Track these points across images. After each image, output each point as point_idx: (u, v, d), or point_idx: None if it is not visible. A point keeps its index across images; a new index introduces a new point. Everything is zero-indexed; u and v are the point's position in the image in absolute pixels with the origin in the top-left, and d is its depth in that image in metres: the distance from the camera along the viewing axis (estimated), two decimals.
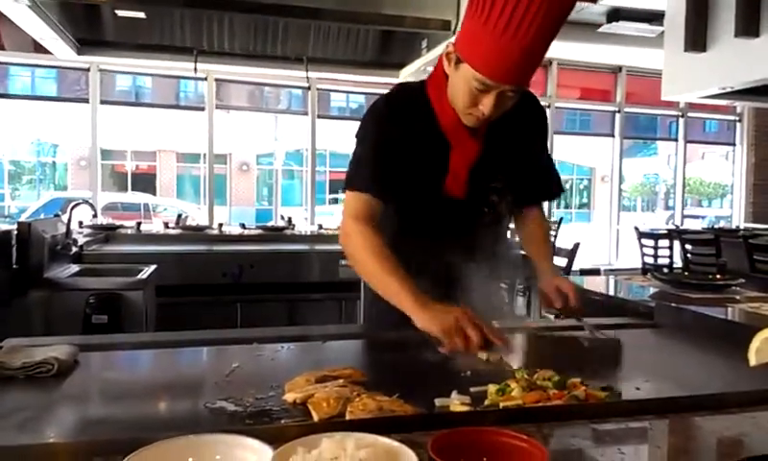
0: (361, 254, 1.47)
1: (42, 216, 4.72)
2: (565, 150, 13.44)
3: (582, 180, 18.83)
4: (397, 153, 1.51)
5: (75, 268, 3.35)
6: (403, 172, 1.51)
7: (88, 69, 6.56)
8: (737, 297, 2.18)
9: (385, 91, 1.64)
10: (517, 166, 1.62)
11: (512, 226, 1.81)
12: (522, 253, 1.83)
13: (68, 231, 3.45)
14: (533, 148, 1.67)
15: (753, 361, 0.85)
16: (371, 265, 1.45)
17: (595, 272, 5.45)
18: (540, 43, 1.33)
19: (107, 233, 4.47)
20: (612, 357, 1.38)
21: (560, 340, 1.49)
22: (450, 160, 1.52)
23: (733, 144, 9.48)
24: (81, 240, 3.80)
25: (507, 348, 1.29)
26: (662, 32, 5.35)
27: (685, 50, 4.73)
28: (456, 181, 1.53)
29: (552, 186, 1.76)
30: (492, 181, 1.59)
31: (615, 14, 6.52)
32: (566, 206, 18.09)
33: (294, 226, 5.35)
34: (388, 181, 1.51)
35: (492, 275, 1.67)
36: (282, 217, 5.92)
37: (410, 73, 4.87)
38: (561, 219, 8.10)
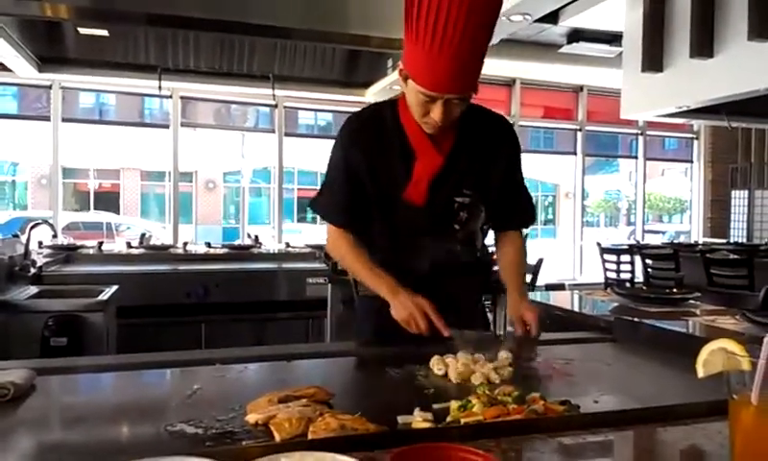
0: (347, 257, 1.73)
1: (0, 236, 4.60)
2: (530, 167, 13.59)
3: (546, 196, 19.12)
4: (361, 174, 1.64)
5: (34, 290, 3.27)
6: (368, 188, 1.64)
7: (50, 87, 6.44)
8: (695, 310, 2.24)
9: (354, 109, 1.77)
10: (485, 184, 1.68)
11: (491, 249, 1.87)
12: (494, 268, 1.87)
13: (27, 252, 3.38)
14: (502, 169, 1.73)
15: (701, 373, 0.87)
16: (356, 266, 1.71)
17: (560, 287, 5.54)
18: (471, 51, 1.40)
19: (67, 254, 4.38)
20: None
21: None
22: (414, 169, 1.62)
23: (691, 161, 9.77)
24: (40, 261, 3.72)
25: (455, 338, 1.51)
26: (621, 53, 5.51)
27: (643, 70, 4.88)
28: (417, 189, 1.63)
29: (523, 214, 1.82)
30: (456, 195, 1.66)
31: (575, 35, 6.69)
32: None
33: (261, 244, 5.32)
34: (345, 210, 1.69)
35: (457, 288, 1.70)
36: (249, 235, 5.87)
37: (376, 92, 4.91)
38: (526, 235, 8.21)
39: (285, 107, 7.25)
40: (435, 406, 1.13)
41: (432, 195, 1.63)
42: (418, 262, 1.69)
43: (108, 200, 15.75)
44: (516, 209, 1.80)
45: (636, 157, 9.53)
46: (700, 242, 8.29)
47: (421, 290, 1.60)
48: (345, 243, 1.71)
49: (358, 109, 1.74)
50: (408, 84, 1.51)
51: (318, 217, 1.81)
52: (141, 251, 4.82)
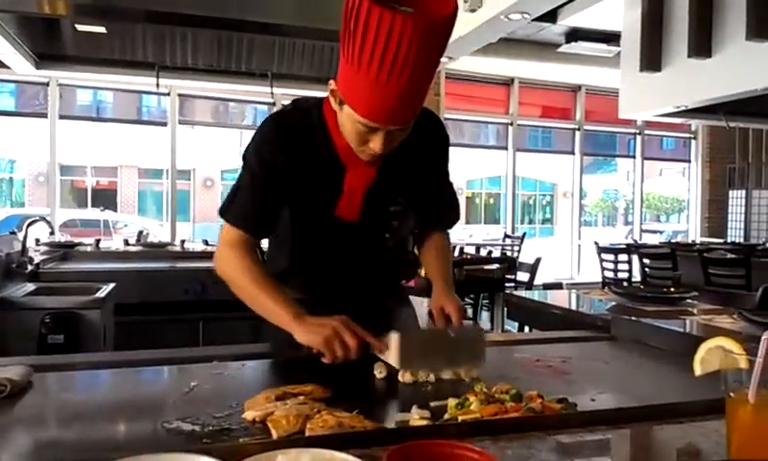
0: (239, 278, 1.47)
1: None
2: (528, 166, 13.67)
3: (544, 196, 19.14)
4: (279, 180, 1.46)
5: (31, 287, 3.26)
6: (287, 198, 1.49)
7: (47, 84, 6.43)
8: (693, 309, 2.24)
9: None
10: (417, 190, 1.59)
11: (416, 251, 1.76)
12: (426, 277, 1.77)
13: (24, 249, 3.37)
14: (432, 171, 1.63)
15: (698, 371, 0.87)
16: (248, 288, 1.45)
17: (557, 286, 5.56)
18: (417, 83, 1.27)
19: (64, 251, 4.37)
20: (477, 345, 1.42)
21: (431, 336, 1.47)
22: (345, 183, 1.47)
23: (689, 161, 9.79)
24: (37, 258, 3.71)
25: (385, 351, 1.34)
26: (619, 52, 5.52)
27: (641, 70, 4.88)
28: (350, 204, 1.50)
29: (449, 213, 1.72)
30: (390, 205, 1.56)
31: (574, 35, 6.70)
32: (530, 222, 18.39)
33: None
34: (262, 216, 1.49)
35: (393, 301, 1.67)
36: None
37: None
38: (524, 234, 8.23)
39: (283, 105, 7.24)
40: (432, 404, 1.13)
41: (366, 210, 1.51)
42: (343, 274, 1.57)
43: (106, 197, 15.72)
44: (442, 210, 1.70)
45: (633, 157, 9.55)
46: (697, 242, 8.31)
47: (347, 302, 1.44)
48: (242, 259, 1.46)
49: (278, 110, 1.54)
50: (344, 110, 1.33)
51: None
52: (138, 248, 4.81)
